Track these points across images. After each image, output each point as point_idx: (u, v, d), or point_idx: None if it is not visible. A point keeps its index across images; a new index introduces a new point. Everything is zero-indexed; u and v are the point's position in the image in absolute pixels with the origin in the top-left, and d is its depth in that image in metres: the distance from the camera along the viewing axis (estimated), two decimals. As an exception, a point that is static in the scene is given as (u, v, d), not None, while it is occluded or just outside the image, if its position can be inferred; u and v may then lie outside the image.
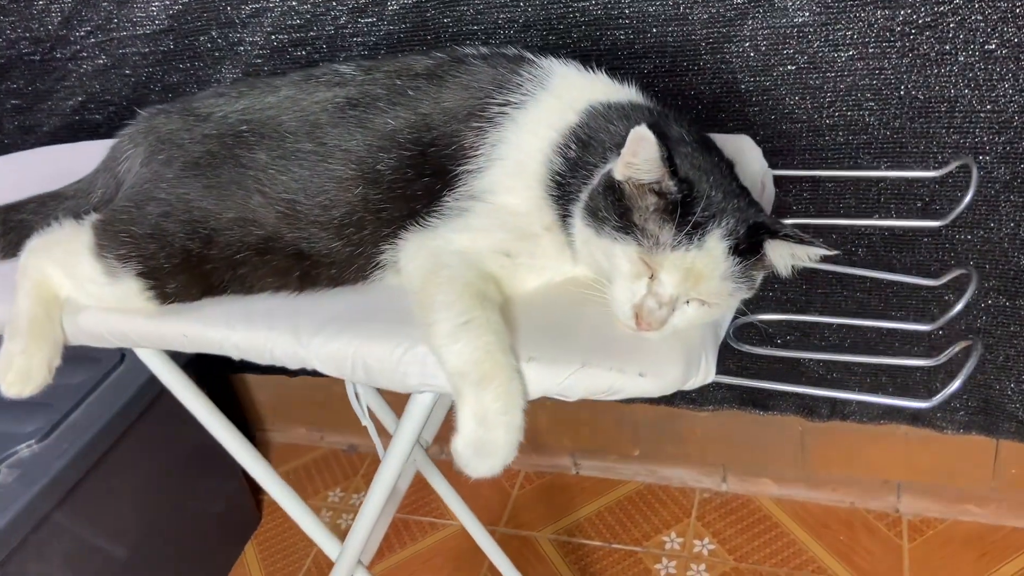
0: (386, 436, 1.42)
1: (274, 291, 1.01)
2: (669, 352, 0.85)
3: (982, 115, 1.35)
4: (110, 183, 1.15)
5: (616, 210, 0.86)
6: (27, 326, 1.04)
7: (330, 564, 1.27)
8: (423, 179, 0.97)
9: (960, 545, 1.80)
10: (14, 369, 1.02)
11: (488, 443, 0.84)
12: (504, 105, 0.97)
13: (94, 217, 1.07)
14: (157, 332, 1.03)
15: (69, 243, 1.05)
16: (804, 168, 1.41)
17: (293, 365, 0.97)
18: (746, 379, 0.88)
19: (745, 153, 1.15)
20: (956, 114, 1.39)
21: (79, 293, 1.05)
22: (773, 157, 1.39)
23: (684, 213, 0.84)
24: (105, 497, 1.60)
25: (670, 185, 0.84)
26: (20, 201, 1.19)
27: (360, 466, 2.22)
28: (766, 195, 1.09)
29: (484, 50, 1.06)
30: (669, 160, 0.83)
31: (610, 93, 1.00)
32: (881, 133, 1.43)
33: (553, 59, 1.03)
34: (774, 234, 0.86)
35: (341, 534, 1.27)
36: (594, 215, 0.88)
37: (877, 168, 1.44)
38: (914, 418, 1.72)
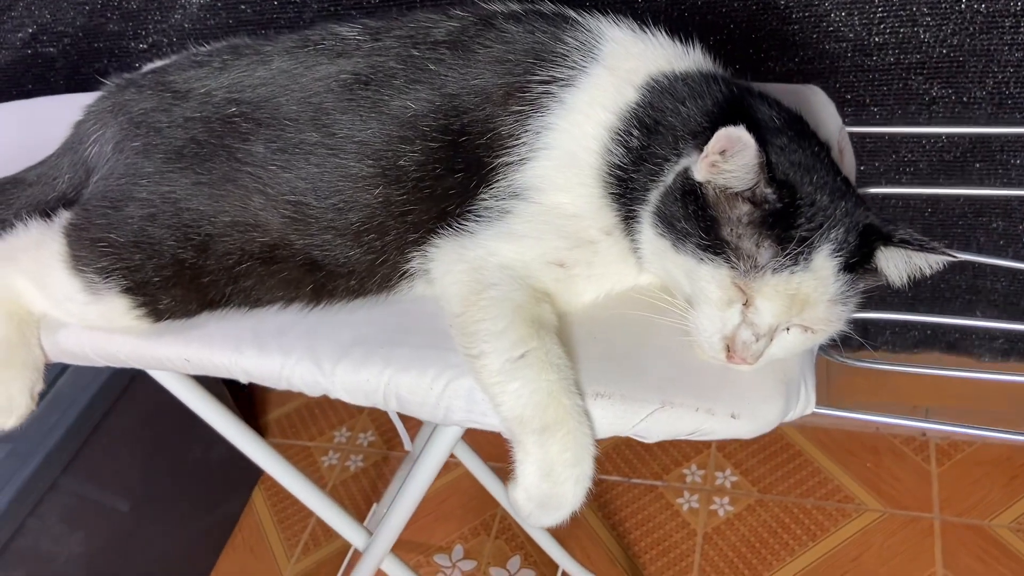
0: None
1: (284, 305, 0.87)
2: (764, 385, 0.73)
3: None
4: (78, 168, 0.98)
5: (700, 222, 0.72)
6: (1, 353, 0.90)
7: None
8: (454, 175, 0.82)
9: (991, 467, 1.75)
10: (-7, 400, 0.89)
11: (555, 497, 0.73)
12: (548, 83, 0.81)
13: (64, 218, 0.92)
14: (153, 354, 0.90)
15: (38, 252, 0.90)
16: (881, 124, 1.27)
17: (314, 393, 0.84)
18: (848, 411, 0.77)
19: (815, 109, 1.00)
20: (1022, 30, 1.24)
21: (56, 311, 0.91)
22: (810, 80, 1.25)
23: (786, 226, 0.70)
24: (104, 461, 1.51)
25: (767, 193, 0.70)
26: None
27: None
28: (846, 162, 0.94)
29: (515, 6, 0.88)
30: (768, 165, 0.69)
31: (673, 60, 0.84)
32: (937, 52, 1.29)
33: (600, 17, 0.86)
34: (888, 240, 0.73)
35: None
36: (670, 225, 0.74)
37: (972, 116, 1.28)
38: (950, 346, 1.64)
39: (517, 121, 0.81)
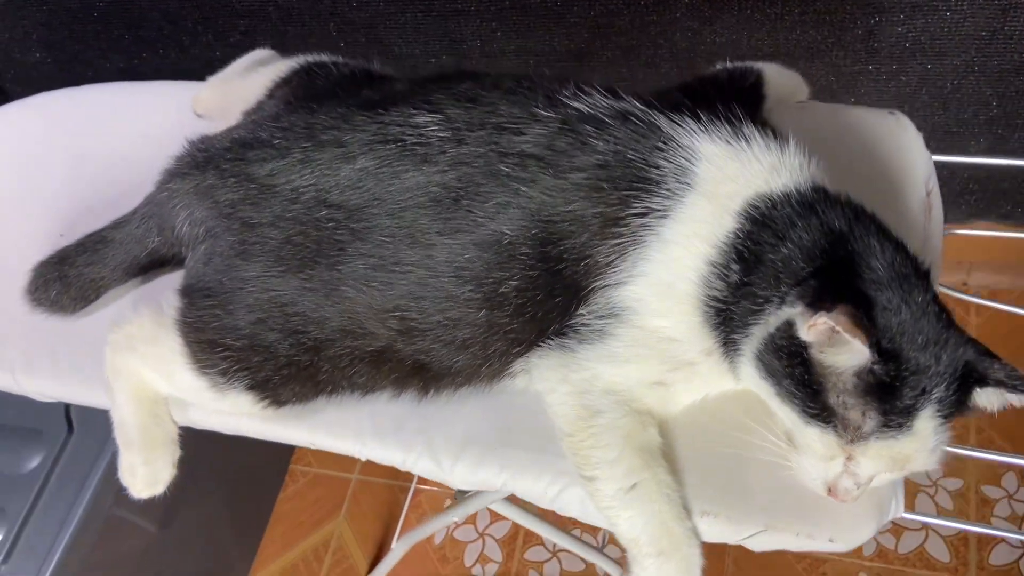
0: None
1: (395, 395, 0.93)
2: (861, 509, 0.80)
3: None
4: (166, 233, 1.00)
5: (806, 388, 0.76)
6: (139, 437, 0.98)
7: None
8: (554, 299, 0.84)
9: (1035, 319, 1.82)
10: (140, 477, 0.99)
11: None
12: (645, 215, 0.81)
13: (175, 310, 0.95)
14: (279, 434, 0.98)
15: (158, 348, 0.95)
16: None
17: (436, 480, 0.93)
18: (941, 519, 0.84)
19: (901, 147, 0.96)
20: None
21: (185, 397, 0.98)
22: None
23: (891, 396, 0.74)
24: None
25: (876, 369, 0.73)
26: (65, 252, 1.05)
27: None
28: (933, 219, 0.94)
29: (603, 105, 0.85)
30: (876, 344, 0.72)
31: (771, 177, 0.82)
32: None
33: (692, 128, 0.83)
34: (984, 380, 0.76)
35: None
36: (774, 377, 0.78)
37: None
38: (1004, 216, 1.66)
39: (615, 250, 0.82)
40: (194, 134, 1.02)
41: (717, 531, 0.82)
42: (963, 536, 1.70)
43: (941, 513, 1.71)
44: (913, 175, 0.94)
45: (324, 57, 1.11)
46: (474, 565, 1.82)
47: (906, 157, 0.96)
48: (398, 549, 1.62)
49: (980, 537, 1.69)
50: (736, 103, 0.90)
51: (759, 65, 1.03)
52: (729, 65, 1.02)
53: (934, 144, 1.48)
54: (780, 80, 1.05)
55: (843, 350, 0.72)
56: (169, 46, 1.75)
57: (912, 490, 1.75)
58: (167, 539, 1.66)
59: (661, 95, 0.93)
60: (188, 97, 1.22)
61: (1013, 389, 0.76)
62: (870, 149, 0.95)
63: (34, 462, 1.48)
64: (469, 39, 1.57)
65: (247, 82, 1.13)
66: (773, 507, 0.81)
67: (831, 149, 0.95)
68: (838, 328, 0.69)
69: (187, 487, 1.04)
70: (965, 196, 1.66)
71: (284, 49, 1.63)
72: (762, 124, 0.90)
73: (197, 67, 1.72)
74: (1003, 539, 1.68)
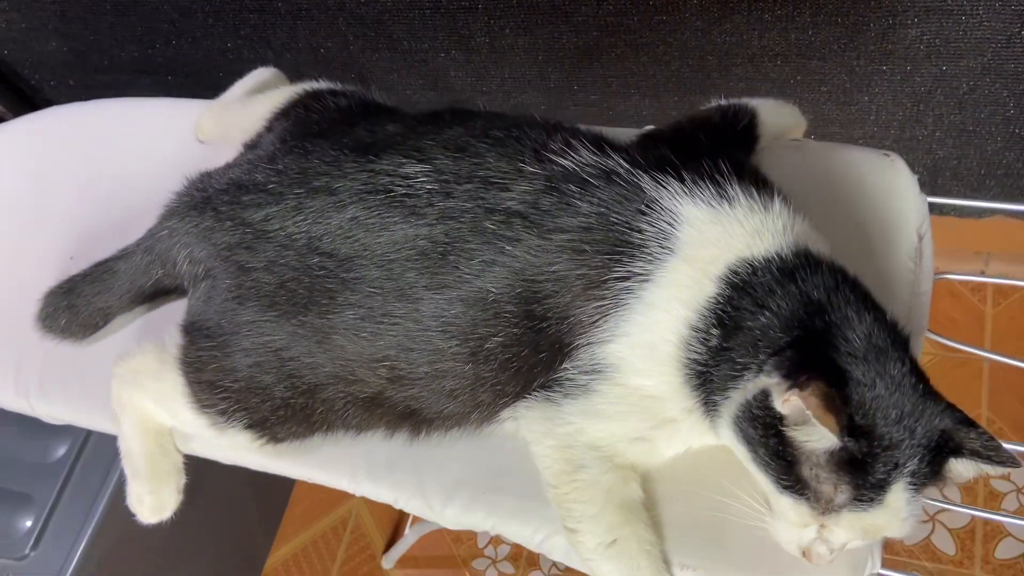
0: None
1: (388, 435, 0.96)
2: (835, 569, 0.82)
3: None
4: (168, 267, 1.02)
5: (780, 459, 0.77)
6: (145, 468, 1.02)
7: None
8: (539, 355, 0.86)
9: (1047, 309, 1.81)
10: (146, 506, 1.03)
11: None
12: (627, 279, 0.81)
13: (177, 347, 0.97)
14: (278, 468, 1.02)
15: (161, 384, 0.98)
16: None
17: (428, 519, 0.96)
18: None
19: (893, 191, 0.95)
20: None
21: (186, 430, 1.01)
22: None
23: (863, 470, 0.74)
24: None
25: (848, 446, 0.74)
26: (73, 281, 1.08)
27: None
28: (923, 268, 0.93)
29: (589, 162, 0.85)
30: (849, 422, 0.72)
31: (752, 242, 0.82)
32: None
33: (675, 190, 0.83)
34: (959, 450, 0.77)
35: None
36: (749, 444, 0.79)
37: None
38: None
39: (598, 311, 0.83)
40: (194, 170, 1.04)
41: (695, 582, 0.84)
42: (970, 529, 1.71)
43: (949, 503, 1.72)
44: (904, 220, 0.93)
45: (322, 85, 1.12)
46: (487, 547, 1.87)
47: (898, 201, 0.95)
48: (411, 535, 1.68)
49: (986, 531, 1.70)
50: (726, 151, 0.90)
51: (754, 103, 1.01)
52: (724, 103, 1.01)
53: (950, 142, 1.47)
54: (775, 118, 1.03)
55: (814, 431, 0.73)
56: (181, 37, 1.76)
57: (920, 482, 1.76)
58: (193, 519, 1.73)
59: (649, 143, 0.93)
60: (192, 116, 1.23)
61: (988, 460, 0.76)
62: (862, 192, 0.94)
63: (60, 451, 1.54)
64: (478, 35, 1.56)
65: (247, 110, 1.14)
66: (750, 564, 0.83)
67: (822, 192, 0.95)
68: (808, 412, 0.70)
69: (212, 468, 1.08)
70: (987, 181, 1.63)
71: (295, 41, 1.64)
72: (752, 174, 0.89)
73: (208, 58, 1.74)
74: (1008, 532, 1.69)
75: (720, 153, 0.90)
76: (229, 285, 0.93)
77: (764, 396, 0.77)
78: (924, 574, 1.55)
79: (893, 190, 0.95)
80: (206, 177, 1.01)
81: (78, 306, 1.07)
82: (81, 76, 1.94)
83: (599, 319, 0.83)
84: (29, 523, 1.49)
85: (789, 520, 0.79)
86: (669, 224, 0.82)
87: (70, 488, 1.52)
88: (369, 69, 1.71)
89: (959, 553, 1.70)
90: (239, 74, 1.59)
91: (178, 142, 1.21)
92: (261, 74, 1.28)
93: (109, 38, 1.81)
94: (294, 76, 1.63)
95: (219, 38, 1.73)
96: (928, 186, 1.61)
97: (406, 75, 1.70)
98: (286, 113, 1.09)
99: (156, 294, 1.07)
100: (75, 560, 1.44)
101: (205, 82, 1.85)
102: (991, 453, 0.76)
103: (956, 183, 1.61)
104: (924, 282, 0.91)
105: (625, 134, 1.01)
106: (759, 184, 0.87)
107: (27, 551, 1.46)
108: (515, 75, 1.64)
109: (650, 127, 1.03)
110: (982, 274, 1.87)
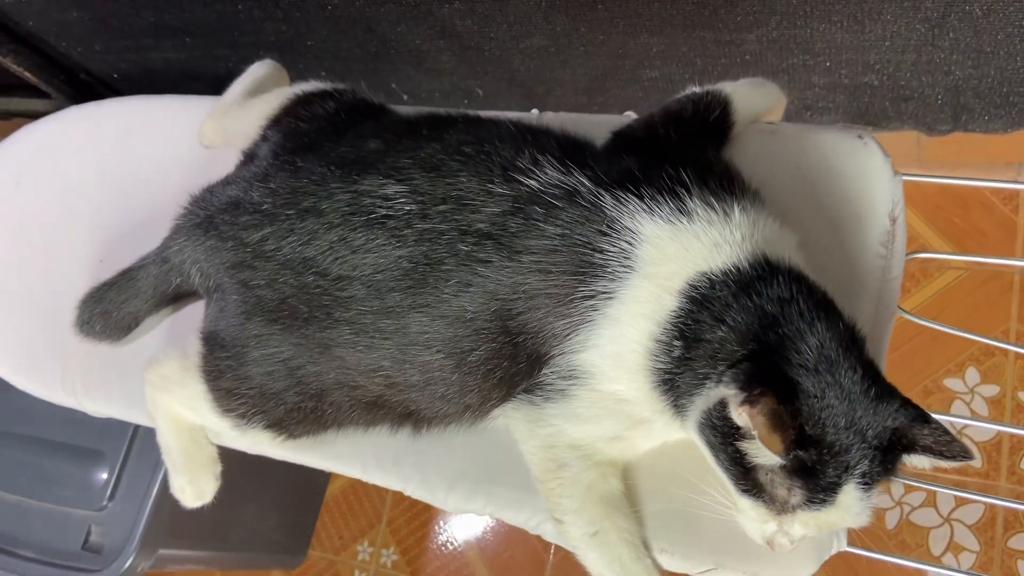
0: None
1: (393, 432, 1.04)
2: (802, 551, 0.88)
3: None
4: (185, 277, 1.10)
5: (737, 465, 0.81)
6: (183, 461, 1.13)
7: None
8: (518, 365, 0.91)
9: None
10: (188, 493, 1.14)
11: None
12: (591, 297, 0.85)
13: (198, 355, 1.05)
14: (299, 458, 1.11)
15: (186, 390, 1.07)
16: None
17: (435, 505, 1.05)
18: (876, 552, 0.91)
19: (866, 174, 0.95)
20: None
21: (213, 429, 1.11)
22: None
23: (815, 475, 0.79)
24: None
25: (799, 454, 0.78)
26: (102, 290, 1.17)
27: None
28: (895, 250, 0.94)
29: (553, 182, 0.88)
30: (799, 430, 0.77)
31: (710, 256, 0.84)
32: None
33: (635, 207, 0.85)
34: (912, 447, 0.80)
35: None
36: (711, 448, 0.84)
37: None
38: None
39: (567, 326, 0.87)
40: (206, 168, 1.09)
41: (675, 565, 0.92)
42: (996, 442, 1.75)
43: (976, 419, 1.75)
44: (876, 204, 0.94)
45: (312, 87, 1.15)
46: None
47: (870, 185, 0.95)
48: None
49: (1012, 444, 1.74)
50: (697, 147, 0.92)
51: (728, 89, 1.01)
52: (698, 90, 1.01)
53: (969, 63, 1.42)
54: (750, 103, 1.03)
55: (762, 448, 0.77)
56: (194, 1, 1.77)
57: (949, 397, 1.79)
58: (253, 471, 1.87)
59: (617, 149, 0.95)
60: (202, 113, 1.28)
61: (940, 455, 0.80)
62: (835, 178, 0.95)
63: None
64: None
65: (244, 115, 1.19)
66: (721, 549, 0.90)
67: (795, 179, 0.96)
68: (754, 432, 0.75)
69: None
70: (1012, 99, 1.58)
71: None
72: (720, 172, 0.91)
73: (221, 19, 1.76)
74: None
75: (690, 152, 0.91)
76: (236, 300, 1.00)
77: (723, 406, 0.81)
78: (950, 486, 1.60)
79: (864, 173, 0.95)
80: (208, 194, 1.07)
81: (110, 312, 1.16)
82: (106, 41, 1.98)
83: (570, 333, 0.88)
84: (104, 476, 1.63)
85: (749, 516, 0.85)
86: (629, 243, 0.85)
87: (137, 444, 1.65)
88: (377, 22, 1.71)
89: (986, 465, 1.74)
90: (253, 33, 1.62)
91: (193, 140, 1.27)
92: (258, 69, 1.31)
93: (126, 5, 1.84)
94: (304, 32, 1.66)
95: (229, 0, 1.75)
96: (950, 106, 1.57)
97: (413, 26, 1.70)
98: (278, 121, 1.13)
99: (179, 297, 1.14)
100: (147, 509, 1.58)
101: (223, 40, 1.87)
102: (943, 448, 0.80)
103: (979, 101, 1.56)
104: (895, 267, 0.92)
105: (608, 122, 1.02)
106: (726, 184, 0.89)
107: (105, 503, 1.61)
108: (521, 20, 1.63)
109: (629, 113, 1.04)
110: (1015, 182, 1.83)
